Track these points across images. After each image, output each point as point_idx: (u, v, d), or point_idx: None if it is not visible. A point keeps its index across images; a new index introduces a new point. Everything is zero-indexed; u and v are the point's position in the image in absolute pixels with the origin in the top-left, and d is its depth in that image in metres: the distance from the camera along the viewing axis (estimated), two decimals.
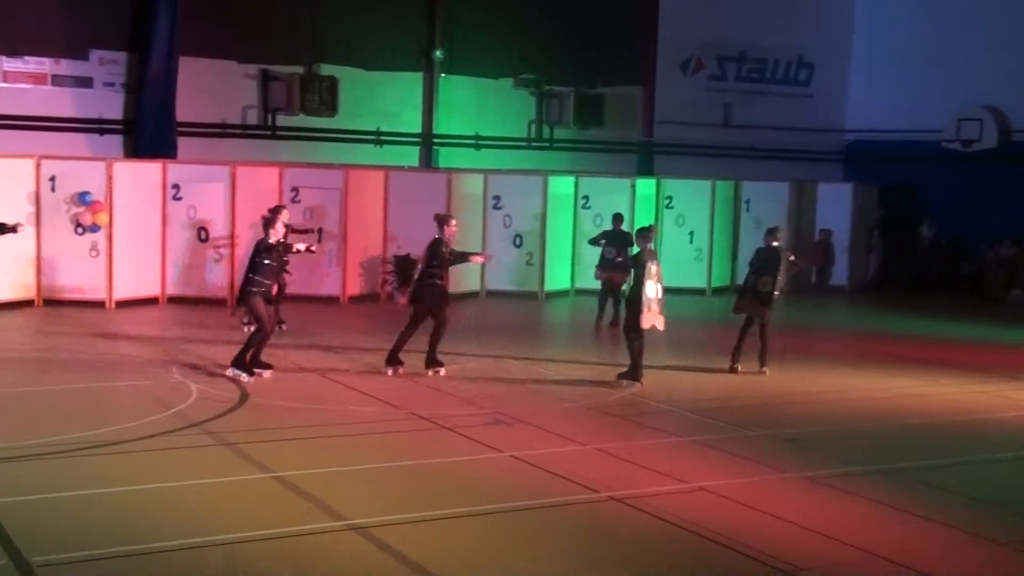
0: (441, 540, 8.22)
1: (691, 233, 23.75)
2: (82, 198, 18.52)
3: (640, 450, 10.79)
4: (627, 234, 18.02)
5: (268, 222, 13.65)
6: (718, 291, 23.70)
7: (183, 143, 21.25)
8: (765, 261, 14.85)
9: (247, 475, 9.61)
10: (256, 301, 13.27)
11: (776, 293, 14.64)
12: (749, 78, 27.66)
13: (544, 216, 22.30)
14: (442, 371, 13.86)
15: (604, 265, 18.47)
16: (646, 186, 23.56)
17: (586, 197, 22.75)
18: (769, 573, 7.68)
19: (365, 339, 16.46)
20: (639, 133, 26.32)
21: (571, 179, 22.88)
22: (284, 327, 16.32)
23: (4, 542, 7.69)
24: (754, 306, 14.73)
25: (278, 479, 9.47)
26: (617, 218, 19.09)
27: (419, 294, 13.90)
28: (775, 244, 14.97)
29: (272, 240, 13.56)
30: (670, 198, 23.81)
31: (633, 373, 13.60)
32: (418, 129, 24.08)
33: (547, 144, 25.26)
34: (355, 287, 20.83)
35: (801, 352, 16.46)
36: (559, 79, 25.06)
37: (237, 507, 8.75)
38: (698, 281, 23.66)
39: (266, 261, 13.38)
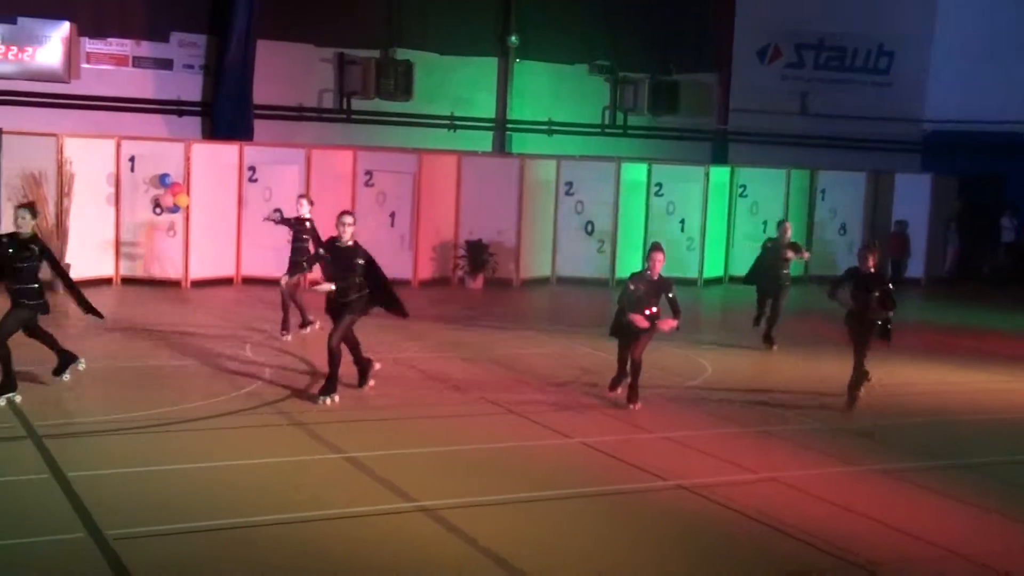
0: (509, 524, 8.22)
1: (764, 222, 23.46)
2: (162, 180, 18.82)
3: (709, 439, 10.68)
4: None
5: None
6: (792, 281, 23.34)
7: (259, 125, 21.49)
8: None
9: (318, 455, 9.69)
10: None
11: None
12: (827, 66, 27.22)
13: (616, 203, 22.18)
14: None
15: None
16: (720, 174, 23.32)
17: (659, 184, 22.60)
18: (847, 568, 7.57)
19: (435, 324, 16.51)
20: (714, 121, 26.06)
21: (644, 166, 22.73)
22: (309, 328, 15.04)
23: (81, 515, 7.85)
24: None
25: (349, 460, 9.54)
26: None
27: None
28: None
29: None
30: (744, 187, 23.56)
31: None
32: (492, 114, 24.09)
33: (620, 131, 25.12)
34: (426, 271, 20.92)
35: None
36: (634, 65, 24.90)
37: (308, 486, 8.82)
38: None
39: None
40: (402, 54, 22.90)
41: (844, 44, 27.21)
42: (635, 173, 22.53)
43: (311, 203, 15.00)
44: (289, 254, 14.84)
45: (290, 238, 14.95)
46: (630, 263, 22.42)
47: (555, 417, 11.26)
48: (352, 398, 11.72)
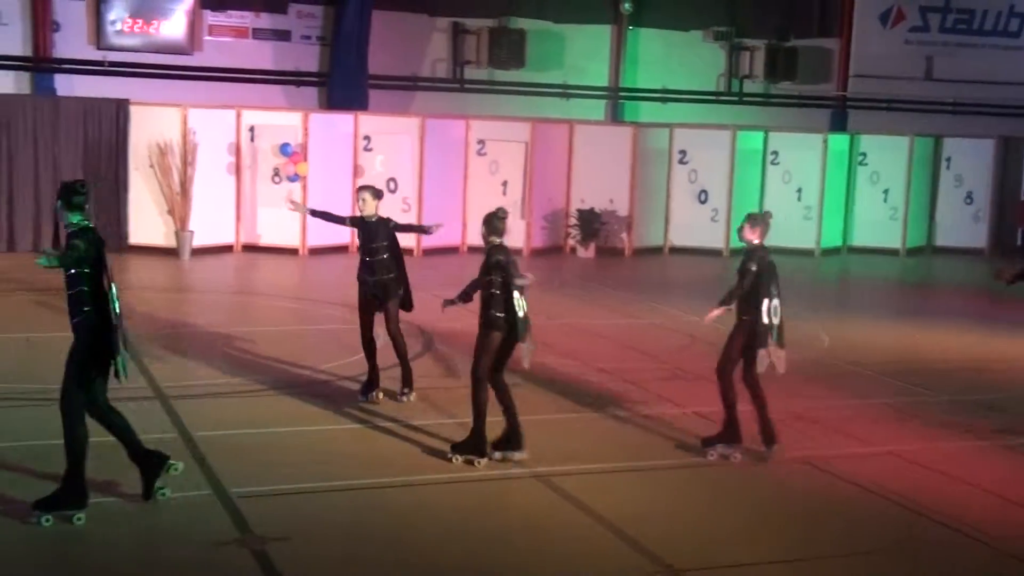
0: (623, 492, 8.23)
1: (885, 191, 22.87)
2: (283, 149, 19.17)
3: (827, 411, 10.51)
4: None
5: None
6: (913, 252, 22.81)
7: (374, 96, 21.70)
8: None
9: (433, 420, 9.82)
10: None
11: None
12: (954, 29, 26.27)
13: (732, 172, 21.87)
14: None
15: None
16: (839, 142, 22.78)
17: (775, 153, 22.18)
18: (967, 544, 7.40)
19: (547, 293, 16.54)
20: (833, 87, 25.42)
21: (760, 134, 22.34)
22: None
23: (207, 473, 8.11)
24: None
25: (462, 425, 9.64)
26: None
27: None
28: None
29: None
30: (864, 155, 22.97)
31: None
32: (604, 82, 23.90)
33: (736, 98, 24.69)
34: (538, 240, 20.95)
35: (1000, 317, 15.69)
36: (751, 31, 24.42)
37: (423, 450, 8.96)
38: (892, 241, 22.82)
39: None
40: (515, 23, 22.85)
41: (972, 6, 26.23)
42: (751, 141, 22.16)
43: (378, 196, 10.48)
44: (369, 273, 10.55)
45: (362, 243, 10.70)
46: None
47: (667, 386, 11.20)
48: (461, 363, 11.80)
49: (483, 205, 20.55)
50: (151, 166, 18.39)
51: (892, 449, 9.35)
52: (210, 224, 18.83)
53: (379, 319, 10.34)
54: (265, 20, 21.41)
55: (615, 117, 23.77)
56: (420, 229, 11.55)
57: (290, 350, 12.13)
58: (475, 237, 20.29)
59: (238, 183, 19.24)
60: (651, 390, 11.04)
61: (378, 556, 6.94)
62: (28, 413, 9.48)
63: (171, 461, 7.64)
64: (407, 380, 10.48)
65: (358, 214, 10.56)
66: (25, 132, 18.08)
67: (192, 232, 18.47)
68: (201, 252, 18.55)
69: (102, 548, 6.91)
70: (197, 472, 8.14)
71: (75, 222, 7.38)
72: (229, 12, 21.11)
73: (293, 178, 19.20)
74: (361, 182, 17.70)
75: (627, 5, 23.48)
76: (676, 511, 7.91)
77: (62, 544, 6.91)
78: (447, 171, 20.16)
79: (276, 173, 19.30)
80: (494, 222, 9.04)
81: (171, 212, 18.43)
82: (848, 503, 8.13)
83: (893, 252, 22.67)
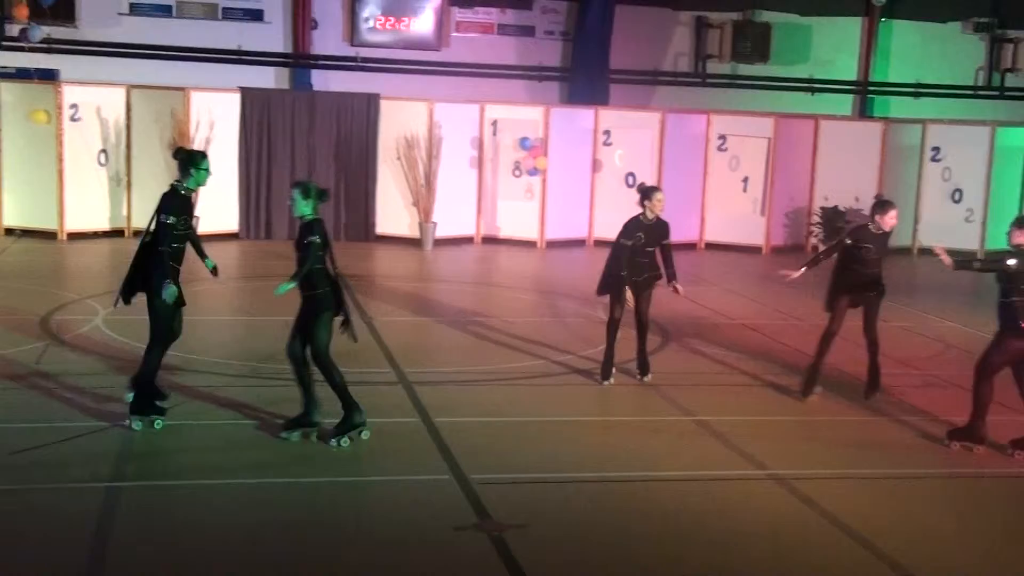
0: (868, 500, 7.91)
1: None
2: (523, 143, 19.46)
3: None
4: None
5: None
6: None
7: (615, 90, 21.75)
8: None
9: (668, 416, 9.74)
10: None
11: None
12: None
13: (989, 170, 20.68)
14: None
15: None
16: None
17: None
18: None
19: (786, 291, 16.10)
20: None
21: (1022, 130, 21.01)
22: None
23: (448, 459, 8.31)
24: None
25: (699, 423, 9.53)
26: None
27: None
28: None
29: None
30: None
31: None
32: (853, 76, 23.09)
33: (997, 93, 23.34)
34: (779, 237, 20.44)
35: None
36: (1016, 21, 23.01)
37: (658, 447, 8.89)
38: None
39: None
40: (760, 16, 22.39)
41: None
42: (1012, 138, 20.86)
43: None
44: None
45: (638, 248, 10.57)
46: (1001, 234, 20.90)
47: (918, 394, 10.70)
48: (705, 361, 11.67)
49: (722, 201, 20.35)
50: (398, 159, 19.01)
51: None
52: (452, 216, 19.31)
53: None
54: (510, 16, 21.82)
55: (863, 112, 22.95)
56: None
57: (529, 340, 12.28)
58: (713, 233, 20.04)
59: (480, 176, 19.65)
60: (901, 396, 10.57)
61: (612, 550, 6.93)
62: (282, 392, 9.98)
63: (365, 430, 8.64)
64: (643, 366, 10.76)
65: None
66: (284, 125, 19.04)
67: (435, 223, 19.00)
68: (443, 243, 19.07)
69: (350, 524, 7.19)
70: (438, 457, 8.35)
71: (307, 214, 8.44)
72: (476, 9, 21.63)
73: (532, 172, 19.45)
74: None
75: None
76: (917, 520, 7.54)
77: (314, 519, 7.24)
78: (686, 166, 19.94)
79: (516, 167, 19.60)
80: None
81: (416, 204, 19.01)
82: None
83: None
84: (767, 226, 20.28)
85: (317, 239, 8.33)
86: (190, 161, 8.73)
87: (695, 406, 9.98)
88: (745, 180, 20.16)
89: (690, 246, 19.83)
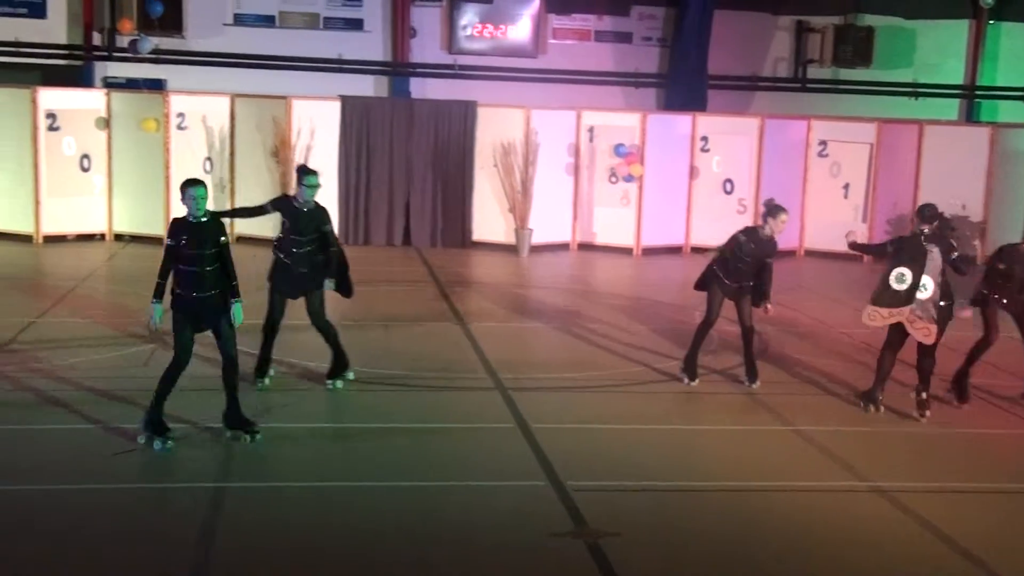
0: (969, 514, 7.70)
1: None
2: (617, 150, 19.40)
3: None
4: None
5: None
6: None
7: (712, 96, 21.57)
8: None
9: (767, 426, 9.61)
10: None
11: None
12: None
13: None
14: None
15: None
16: None
17: None
18: None
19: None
20: None
21: None
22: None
23: (543, 465, 8.31)
24: None
25: (798, 432, 9.38)
26: None
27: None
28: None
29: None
30: None
31: None
32: (959, 80, 22.54)
33: None
34: None
35: None
36: None
37: (756, 456, 8.78)
38: None
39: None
40: (863, 19, 21.99)
41: None
42: None
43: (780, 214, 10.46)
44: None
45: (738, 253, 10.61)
46: None
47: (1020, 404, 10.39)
48: (804, 369, 11.48)
49: (822, 208, 20.02)
50: (495, 165, 19.10)
51: None
52: (548, 222, 19.32)
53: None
54: (607, 23, 21.79)
55: (970, 117, 22.37)
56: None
57: (627, 346, 12.23)
58: (813, 240, 19.72)
59: (576, 183, 19.63)
60: (1002, 407, 10.27)
61: (711, 560, 6.86)
62: (382, 396, 10.09)
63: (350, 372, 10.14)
64: (752, 373, 10.73)
65: None
66: (382, 132, 19.27)
67: (531, 230, 19.04)
68: (539, 249, 19.09)
69: (451, 527, 7.23)
70: (534, 463, 8.36)
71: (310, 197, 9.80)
72: (573, 15, 21.64)
73: (628, 179, 19.37)
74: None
75: None
76: None
77: (421, 521, 7.29)
78: (785, 173, 19.66)
79: (613, 173, 19.54)
80: None
81: (512, 210, 19.07)
82: None
83: None
84: (869, 233, 19.86)
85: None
86: (297, 177, 9.90)
87: (794, 415, 9.83)
88: (846, 186, 19.81)
89: (789, 253, 19.54)
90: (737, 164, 19.70)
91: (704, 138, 19.81)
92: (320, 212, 9.89)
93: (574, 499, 7.63)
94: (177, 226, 8.48)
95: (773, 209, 10.54)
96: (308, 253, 9.80)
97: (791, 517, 7.54)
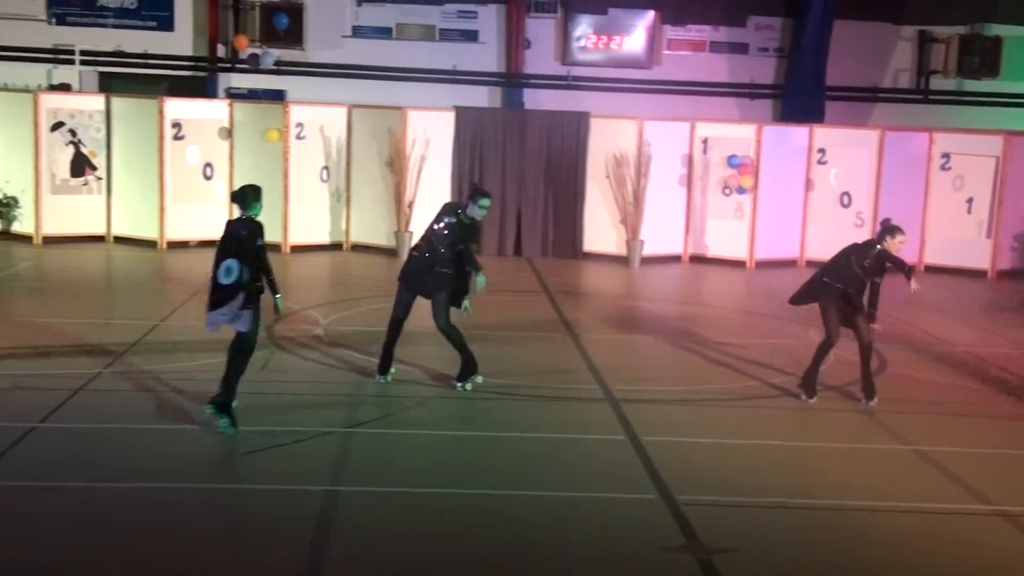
0: None
1: None
2: (730, 161, 19.19)
3: None
4: None
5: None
6: None
7: (830, 107, 21.21)
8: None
9: (885, 444, 9.39)
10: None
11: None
12: None
13: None
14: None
15: None
16: None
17: None
18: None
19: (1016, 317, 15.30)
20: None
21: None
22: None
23: (654, 478, 8.24)
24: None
25: (918, 453, 9.14)
26: None
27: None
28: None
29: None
30: None
31: None
32: None
33: None
34: (1006, 261, 19.38)
35: None
36: None
37: (873, 475, 8.57)
38: None
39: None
40: (990, 29, 21.38)
41: None
42: None
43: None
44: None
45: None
46: None
47: None
48: (924, 388, 11.18)
49: (944, 222, 19.51)
50: (607, 177, 19.06)
51: None
52: (660, 234, 19.19)
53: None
54: (723, 33, 21.61)
55: None
56: None
57: (740, 360, 12.08)
58: (934, 256, 19.19)
59: (688, 194, 19.47)
60: None
61: None
62: (494, 405, 10.14)
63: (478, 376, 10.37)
64: (869, 390, 10.50)
65: None
66: (495, 143, 19.38)
67: (642, 241, 18.94)
68: (650, 261, 18.97)
69: (556, 539, 7.22)
70: (644, 476, 8.30)
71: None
72: (688, 26, 21.50)
73: (740, 190, 19.14)
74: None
75: None
76: None
77: (529, 529, 7.30)
78: (906, 186, 19.19)
79: (726, 185, 19.33)
80: None
81: (623, 221, 19.00)
82: None
83: None
84: (993, 249, 19.26)
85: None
86: (470, 195, 10.58)
87: (913, 435, 9.58)
88: (970, 201, 19.23)
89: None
90: (855, 177, 19.30)
91: (821, 150, 19.47)
92: (477, 229, 10.75)
93: (685, 513, 7.55)
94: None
95: (891, 229, 10.32)
96: (448, 260, 10.25)
97: (910, 540, 7.34)
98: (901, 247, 10.33)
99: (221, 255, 8.89)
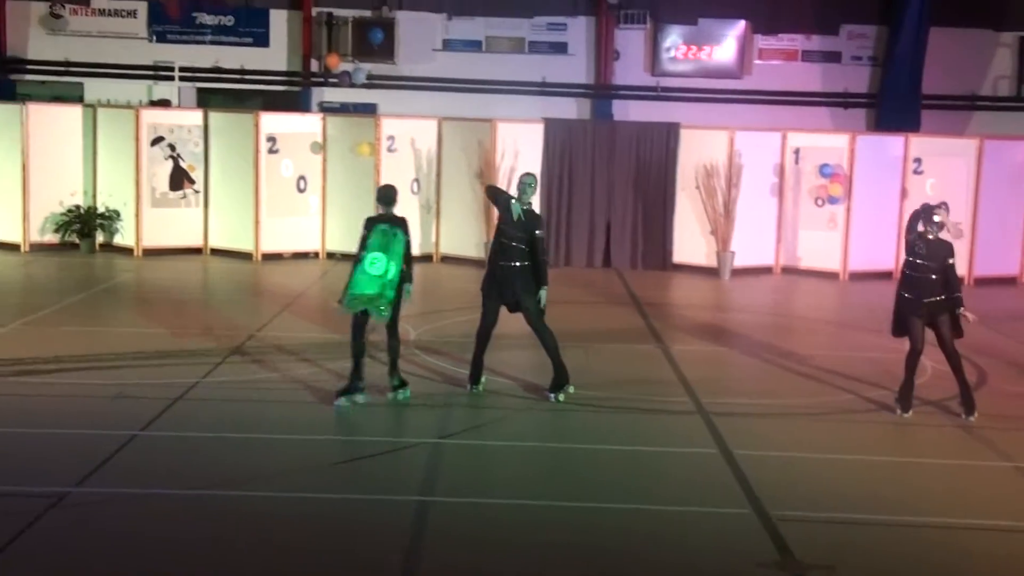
0: None
1: None
2: (822, 170, 18.93)
3: None
4: None
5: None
6: None
7: (926, 116, 20.81)
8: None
9: (985, 460, 9.16)
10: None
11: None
12: None
13: None
14: None
15: None
16: None
17: None
18: None
19: None
20: None
21: None
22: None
23: (747, 493, 8.15)
24: None
25: (1017, 469, 8.90)
26: None
27: None
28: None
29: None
30: None
31: None
32: None
33: None
34: None
35: None
36: None
37: (974, 493, 8.38)
38: None
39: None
40: None
41: None
42: None
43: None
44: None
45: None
46: None
47: None
48: (1021, 402, 10.91)
49: None
50: (697, 187, 18.92)
51: None
52: (751, 245, 19.00)
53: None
54: (815, 42, 21.36)
55: None
56: None
57: (834, 373, 11.89)
58: None
59: (780, 205, 19.24)
60: None
61: None
62: (584, 417, 10.14)
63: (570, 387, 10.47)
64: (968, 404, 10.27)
65: None
66: (584, 154, 19.38)
67: (733, 252, 18.77)
68: (741, 273, 18.78)
69: (649, 553, 7.18)
70: (737, 490, 8.22)
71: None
72: (780, 36, 21.29)
73: (831, 200, 18.86)
74: None
75: None
76: None
77: (619, 542, 7.28)
78: (1006, 196, 18.74)
79: (818, 196, 19.07)
80: None
81: (714, 232, 18.85)
82: None
83: None
84: None
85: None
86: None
87: (1016, 451, 9.33)
88: None
89: (1009, 280, 18.64)
90: (953, 187, 18.87)
91: (917, 160, 19.09)
92: (539, 217, 10.77)
93: (779, 529, 7.45)
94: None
95: (926, 212, 10.28)
96: (524, 252, 10.42)
97: (1011, 559, 7.15)
98: (944, 222, 10.17)
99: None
